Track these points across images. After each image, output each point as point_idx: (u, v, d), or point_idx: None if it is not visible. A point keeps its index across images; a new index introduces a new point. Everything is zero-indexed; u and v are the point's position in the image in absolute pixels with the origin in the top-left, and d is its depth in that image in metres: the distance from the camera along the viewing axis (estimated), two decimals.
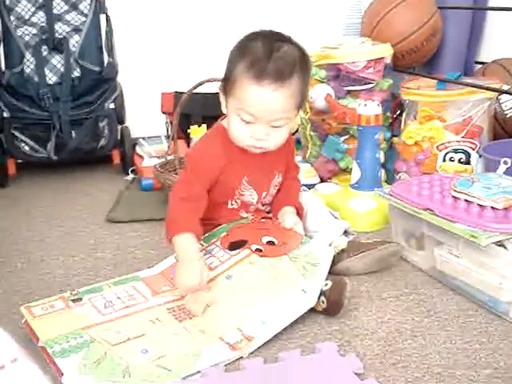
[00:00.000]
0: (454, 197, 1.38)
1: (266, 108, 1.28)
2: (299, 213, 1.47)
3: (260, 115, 1.29)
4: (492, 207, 1.30)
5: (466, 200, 1.35)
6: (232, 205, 1.44)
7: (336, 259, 1.43)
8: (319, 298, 1.26)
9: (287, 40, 1.31)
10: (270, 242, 1.36)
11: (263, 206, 1.49)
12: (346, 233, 1.51)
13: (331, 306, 1.25)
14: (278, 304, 1.22)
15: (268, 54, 1.26)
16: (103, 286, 1.33)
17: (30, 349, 1.12)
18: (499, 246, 1.26)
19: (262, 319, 1.19)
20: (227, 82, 1.32)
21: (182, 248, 1.29)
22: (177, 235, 1.30)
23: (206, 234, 1.40)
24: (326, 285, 1.26)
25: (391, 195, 1.50)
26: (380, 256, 1.45)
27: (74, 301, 1.27)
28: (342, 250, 1.45)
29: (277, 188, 1.49)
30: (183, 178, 1.41)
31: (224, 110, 1.38)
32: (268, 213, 1.49)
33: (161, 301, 1.28)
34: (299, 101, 1.33)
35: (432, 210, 1.37)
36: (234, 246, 1.36)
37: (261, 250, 1.34)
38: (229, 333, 1.17)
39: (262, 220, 1.44)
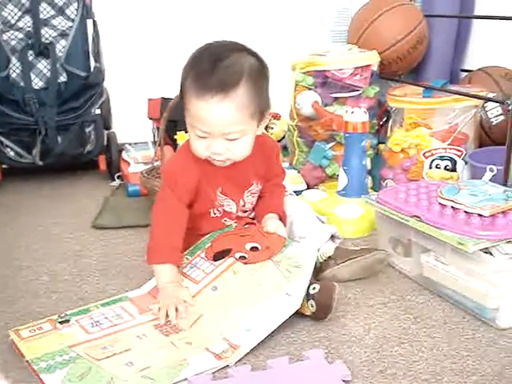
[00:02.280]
0: (440, 204, 1.38)
1: (215, 122, 1.24)
2: (282, 220, 1.46)
3: (211, 130, 1.25)
4: (479, 214, 1.31)
5: (453, 207, 1.35)
6: (215, 213, 1.43)
7: (323, 266, 1.44)
8: (308, 301, 1.26)
9: (239, 49, 1.28)
10: (254, 248, 1.35)
11: (245, 212, 1.48)
12: (332, 237, 1.51)
13: (320, 308, 1.25)
14: (262, 310, 1.22)
15: (212, 66, 1.23)
16: (91, 307, 1.32)
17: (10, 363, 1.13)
18: (486, 253, 1.26)
19: (246, 327, 1.19)
20: (182, 96, 1.30)
21: (161, 279, 1.33)
22: (156, 264, 1.33)
23: (191, 248, 1.40)
24: (314, 288, 1.26)
25: (378, 202, 1.51)
26: (366, 263, 1.45)
27: (61, 323, 1.26)
28: (329, 257, 1.45)
29: (256, 196, 1.47)
30: (161, 197, 1.38)
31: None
32: (253, 219, 1.49)
33: (148, 318, 1.27)
34: (253, 111, 1.27)
35: (419, 217, 1.37)
36: (219, 255, 1.36)
37: (245, 257, 1.33)
38: (215, 343, 1.17)
39: (246, 226, 1.43)
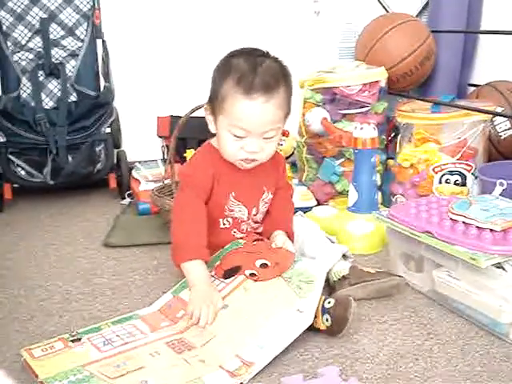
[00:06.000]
0: (452, 219, 1.38)
1: (259, 121, 1.31)
2: (289, 236, 1.48)
3: (252, 129, 1.31)
4: (490, 229, 1.30)
5: (464, 222, 1.35)
6: (224, 224, 1.45)
7: (336, 286, 1.43)
8: (323, 316, 1.26)
9: (266, 55, 1.36)
10: (264, 265, 1.36)
11: (255, 223, 1.49)
12: (344, 257, 1.51)
13: (336, 322, 1.25)
14: (274, 327, 1.22)
15: (253, 69, 1.30)
16: (102, 325, 1.32)
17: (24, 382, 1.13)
18: (498, 267, 1.26)
19: (259, 344, 1.19)
20: (215, 100, 1.35)
21: (192, 276, 1.33)
22: (185, 262, 1.34)
23: None
24: (329, 302, 1.26)
25: (389, 218, 1.51)
26: (381, 288, 1.44)
27: (73, 341, 1.26)
28: (343, 277, 1.44)
29: (267, 205, 1.49)
30: (180, 197, 1.43)
31: (212, 130, 1.40)
32: (260, 234, 1.49)
33: (160, 335, 1.27)
34: (286, 112, 1.37)
35: (430, 233, 1.37)
36: (229, 273, 1.36)
37: (255, 275, 1.34)
38: (228, 360, 1.16)
39: (254, 243, 1.43)
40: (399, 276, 1.47)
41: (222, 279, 1.36)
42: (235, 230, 1.46)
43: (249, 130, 1.31)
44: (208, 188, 1.40)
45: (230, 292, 1.32)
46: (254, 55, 1.34)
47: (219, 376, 1.13)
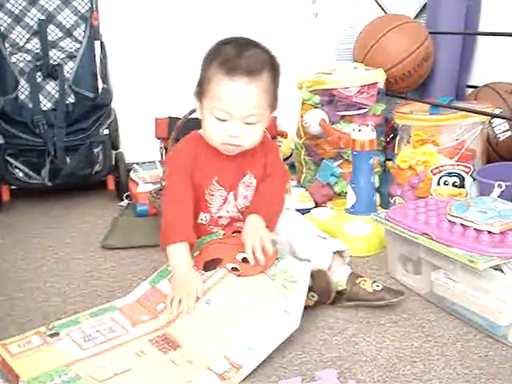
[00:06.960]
0: (450, 221, 1.38)
1: (240, 102, 1.32)
2: (268, 219, 1.42)
3: (234, 111, 1.32)
4: (488, 231, 1.31)
5: (462, 224, 1.35)
6: (201, 220, 1.45)
7: (335, 299, 1.42)
8: (307, 294, 1.29)
9: (256, 44, 1.38)
10: (246, 259, 1.34)
11: (238, 212, 1.48)
12: (338, 253, 1.48)
13: (322, 295, 1.35)
14: (262, 328, 1.20)
15: (238, 53, 1.33)
16: (79, 318, 1.30)
17: None
18: (496, 270, 1.26)
19: (247, 345, 1.17)
20: (201, 84, 1.37)
21: (174, 262, 1.34)
22: (170, 245, 1.34)
23: None
24: None
25: (387, 220, 1.51)
26: (380, 305, 1.41)
27: (51, 336, 1.23)
28: (341, 292, 1.41)
29: (250, 190, 1.48)
30: (167, 183, 1.45)
31: (199, 115, 1.42)
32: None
33: (141, 332, 1.25)
34: (271, 100, 1.37)
35: (429, 235, 1.37)
36: (209, 265, 1.34)
37: (237, 269, 1.32)
38: (216, 362, 1.14)
39: (234, 235, 1.42)
40: (400, 294, 1.40)
41: (202, 271, 1.33)
42: (212, 226, 1.47)
43: (230, 112, 1.32)
44: (191, 167, 1.40)
45: (213, 286, 1.29)
46: (243, 44, 1.36)
47: (209, 379, 1.11)
